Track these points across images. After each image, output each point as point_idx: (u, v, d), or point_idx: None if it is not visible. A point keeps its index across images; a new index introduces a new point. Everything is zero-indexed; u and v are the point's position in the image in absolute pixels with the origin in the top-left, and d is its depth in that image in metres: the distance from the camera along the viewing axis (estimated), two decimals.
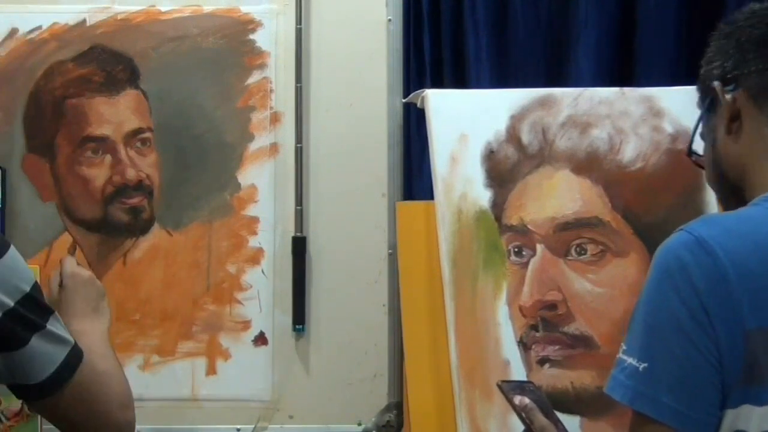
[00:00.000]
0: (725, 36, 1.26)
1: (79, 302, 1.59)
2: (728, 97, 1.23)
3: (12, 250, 1.28)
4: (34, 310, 1.28)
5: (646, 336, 1.12)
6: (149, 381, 2.27)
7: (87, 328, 1.49)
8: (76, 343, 1.33)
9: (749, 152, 1.22)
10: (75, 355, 1.32)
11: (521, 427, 1.40)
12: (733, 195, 1.25)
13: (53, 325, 1.30)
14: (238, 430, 2.28)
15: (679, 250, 1.12)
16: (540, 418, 1.35)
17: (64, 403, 1.31)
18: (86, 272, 1.66)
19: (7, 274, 1.26)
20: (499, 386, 1.45)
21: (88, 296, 1.60)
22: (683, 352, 1.09)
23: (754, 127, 1.21)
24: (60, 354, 1.30)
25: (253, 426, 2.27)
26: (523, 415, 1.36)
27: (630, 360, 1.12)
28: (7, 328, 1.25)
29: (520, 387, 1.44)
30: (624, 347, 1.14)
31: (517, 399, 1.38)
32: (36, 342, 1.27)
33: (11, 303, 1.25)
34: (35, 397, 1.31)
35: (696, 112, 1.31)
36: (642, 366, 1.11)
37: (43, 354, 1.28)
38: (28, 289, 1.27)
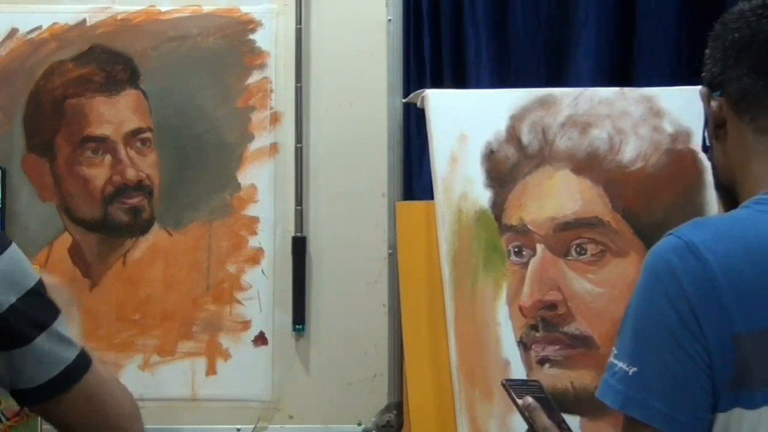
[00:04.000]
0: (715, 38, 1.25)
1: None
2: (713, 103, 1.22)
3: (13, 247, 1.25)
4: (39, 307, 1.25)
5: (636, 340, 1.12)
6: (149, 381, 2.27)
7: None
8: (84, 348, 1.30)
9: (735, 159, 1.21)
10: (83, 358, 1.28)
11: (522, 427, 1.40)
12: (728, 198, 1.25)
13: (61, 326, 1.27)
14: (238, 430, 2.28)
15: (669, 255, 1.11)
16: (543, 418, 1.34)
17: (69, 408, 1.27)
18: (53, 280, 1.61)
19: (7, 271, 1.23)
20: (504, 385, 1.45)
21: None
22: (673, 356, 1.09)
23: (737, 134, 1.21)
24: (68, 354, 1.27)
25: (253, 426, 2.27)
26: (527, 414, 1.36)
27: (620, 364, 1.12)
28: (9, 325, 1.22)
29: (525, 386, 1.43)
30: (615, 351, 1.14)
31: (521, 398, 1.38)
32: (42, 340, 1.24)
33: (12, 299, 1.22)
34: (41, 399, 1.27)
35: (696, 111, 1.31)
36: (632, 370, 1.10)
37: (50, 353, 1.25)
38: (31, 285, 1.25)
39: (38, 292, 1.26)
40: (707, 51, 1.26)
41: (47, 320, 1.26)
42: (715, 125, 1.23)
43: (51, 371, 1.25)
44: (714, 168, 1.27)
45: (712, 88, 1.23)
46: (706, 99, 1.23)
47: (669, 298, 1.10)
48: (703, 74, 1.26)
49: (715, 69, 1.23)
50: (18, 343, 1.24)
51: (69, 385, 1.26)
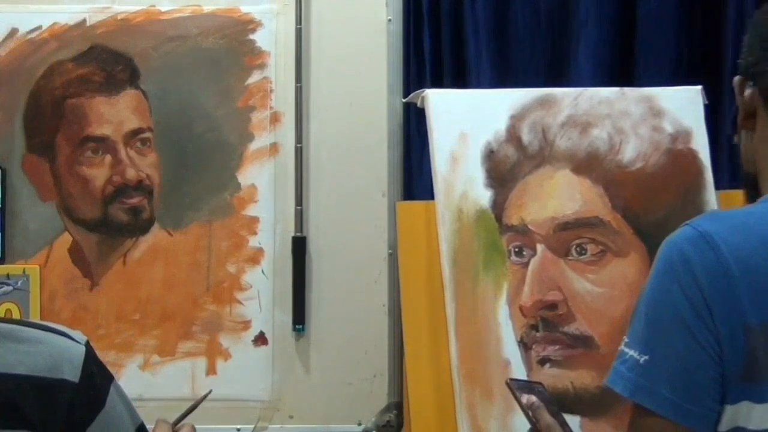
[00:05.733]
0: (753, 26, 1.23)
1: None
2: (747, 92, 1.21)
3: (106, 408, 1.17)
4: None
5: (647, 329, 1.12)
6: (149, 381, 2.27)
7: None
8: None
9: (760, 150, 1.21)
10: None
11: (523, 427, 1.40)
12: (751, 189, 1.24)
13: None
14: (238, 430, 2.28)
15: (683, 245, 1.11)
16: (546, 417, 1.34)
17: None
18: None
19: None
20: (508, 384, 1.45)
21: None
22: (684, 346, 1.09)
23: (765, 125, 1.20)
24: None
25: (253, 426, 2.27)
26: (530, 413, 1.36)
27: (631, 352, 1.12)
28: None
29: (528, 386, 1.43)
30: (626, 339, 1.14)
31: (525, 397, 1.38)
32: None
33: None
34: None
35: (696, 111, 1.30)
36: (643, 359, 1.10)
37: None
38: None
39: None
40: (744, 37, 1.25)
41: None
42: (744, 115, 1.22)
43: None
44: (739, 157, 1.26)
45: (747, 76, 1.22)
46: (740, 87, 1.22)
47: (682, 288, 1.09)
48: (739, 61, 1.24)
49: (750, 58, 1.21)
50: None
51: None
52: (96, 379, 1.17)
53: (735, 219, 1.15)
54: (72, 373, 1.14)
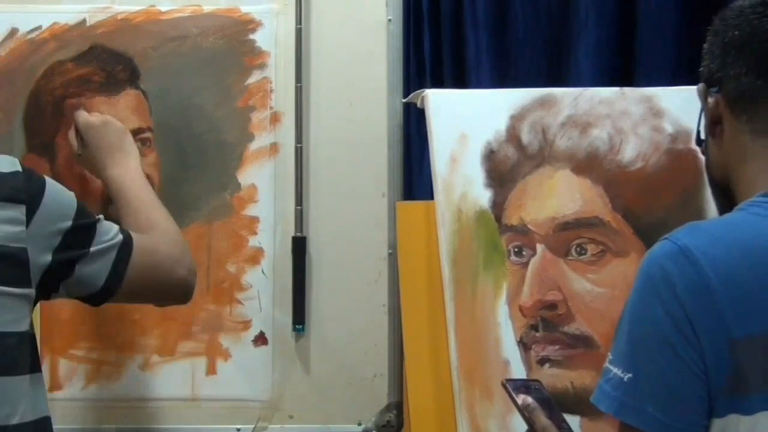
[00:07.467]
0: (714, 34, 1.24)
1: (104, 149, 1.86)
2: (710, 100, 1.22)
3: (47, 192, 1.50)
4: (80, 234, 1.52)
5: (630, 346, 1.12)
6: (149, 381, 2.27)
7: (121, 171, 1.82)
8: (120, 230, 1.60)
9: (730, 157, 1.21)
10: (124, 249, 1.58)
11: (522, 426, 1.40)
12: (722, 196, 1.25)
13: (99, 236, 1.55)
14: (238, 430, 2.28)
15: (663, 260, 1.11)
16: (542, 419, 1.34)
17: (131, 290, 1.60)
18: (99, 118, 1.92)
19: (46, 223, 1.48)
20: (504, 385, 1.45)
21: (110, 139, 1.87)
22: (667, 362, 1.09)
23: (733, 133, 1.21)
24: (111, 255, 1.56)
25: (253, 426, 2.27)
26: (526, 414, 1.36)
27: (615, 370, 1.12)
28: (64, 259, 1.50)
29: (525, 386, 1.43)
30: (610, 357, 1.14)
31: (521, 398, 1.38)
32: (94, 251, 1.54)
33: (51, 251, 1.47)
34: (106, 298, 1.60)
35: (696, 111, 1.31)
36: (627, 376, 1.11)
37: (99, 263, 1.55)
38: (69, 224, 1.51)
39: (78, 225, 1.53)
40: (705, 46, 1.26)
41: (90, 240, 1.55)
42: (711, 122, 1.23)
43: (101, 276, 1.57)
44: (707, 163, 1.27)
45: (710, 84, 1.23)
46: (703, 95, 1.23)
47: (663, 304, 1.09)
48: (701, 69, 1.26)
49: (713, 65, 1.23)
50: (78, 259, 1.53)
51: (120, 279, 1.58)
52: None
53: (714, 230, 1.15)
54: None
